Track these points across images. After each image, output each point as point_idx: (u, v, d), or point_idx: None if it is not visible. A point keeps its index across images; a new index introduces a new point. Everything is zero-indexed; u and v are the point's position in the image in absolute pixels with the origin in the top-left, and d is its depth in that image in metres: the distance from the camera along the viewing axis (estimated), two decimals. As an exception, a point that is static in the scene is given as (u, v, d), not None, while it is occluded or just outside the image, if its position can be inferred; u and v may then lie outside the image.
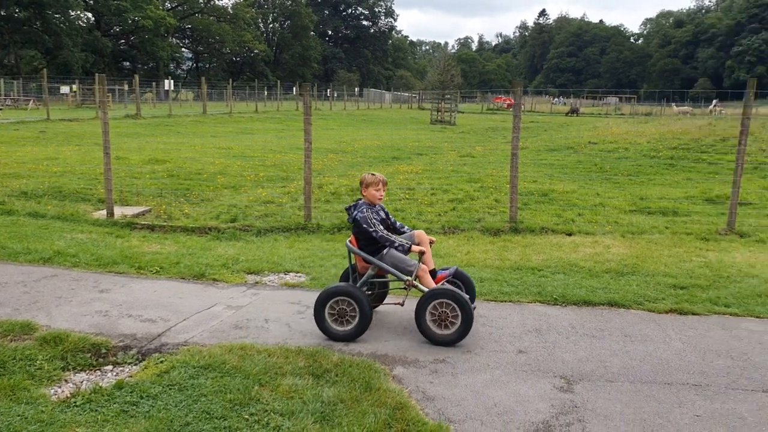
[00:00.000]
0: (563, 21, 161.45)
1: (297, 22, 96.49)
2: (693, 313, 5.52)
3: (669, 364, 4.48)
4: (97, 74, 12.69)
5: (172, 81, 43.94)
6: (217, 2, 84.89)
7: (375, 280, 5.16)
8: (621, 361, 4.53)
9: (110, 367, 4.31)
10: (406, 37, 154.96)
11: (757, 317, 5.45)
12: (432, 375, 4.27)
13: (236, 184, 12.43)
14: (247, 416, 3.60)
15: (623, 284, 6.30)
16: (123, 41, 72.46)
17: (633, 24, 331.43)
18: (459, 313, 4.68)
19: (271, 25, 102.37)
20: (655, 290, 6.11)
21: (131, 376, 4.13)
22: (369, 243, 4.97)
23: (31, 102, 40.08)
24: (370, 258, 4.95)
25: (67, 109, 37.72)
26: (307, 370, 4.19)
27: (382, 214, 5.17)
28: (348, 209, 5.16)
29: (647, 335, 5.02)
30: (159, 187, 11.54)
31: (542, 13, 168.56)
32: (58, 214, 9.34)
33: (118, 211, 9.44)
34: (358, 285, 4.99)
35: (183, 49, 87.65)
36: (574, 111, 58.56)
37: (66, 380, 4.08)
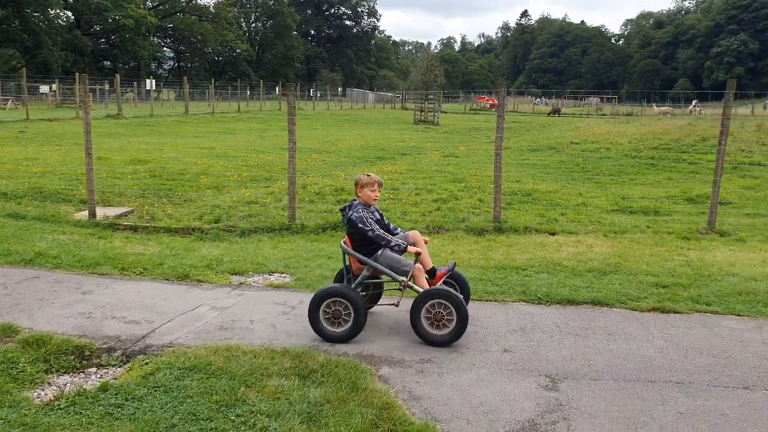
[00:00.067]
0: (545, 22, 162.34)
1: (280, 22, 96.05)
2: (675, 312, 5.59)
3: (652, 362, 4.53)
4: (78, 74, 12.58)
5: (153, 80, 43.64)
6: (198, 1, 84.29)
7: (369, 281, 5.15)
8: (605, 359, 4.57)
9: (94, 369, 4.28)
10: (389, 37, 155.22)
11: (737, 315, 5.53)
12: (418, 375, 4.29)
13: (219, 184, 12.37)
14: (233, 417, 3.59)
15: (606, 283, 6.36)
16: (103, 40, 71.73)
17: (614, 25, 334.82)
18: (454, 314, 4.68)
19: (253, 25, 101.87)
20: (637, 289, 6.17)
21: (116, 378, 4.10)
22: (364, 244, 4.96)
23: (10, 102, 39.53)
24: (365, 259, 4.93)
25: (46, 109, 37.28)
26: (294, 371, 4.19)
27: (377, 215, 5.16)
28: (342, 210, 5.14)
29: (630, 334, 5.08)
30: (141, 188, 11.45)
31: (524, 13, 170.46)
32: (38, 215, 9.24)
33: (101, 212, 9.36)
34: (352, 286, 4.98)
35: (164, 49, 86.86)
36: (555, 111, 58.95)
37: (49, 383, 4.04)
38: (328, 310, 4.82)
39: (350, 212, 5.00)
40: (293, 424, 3.53)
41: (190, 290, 6.07)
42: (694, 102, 61.50)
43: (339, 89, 76.04)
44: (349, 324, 4.79)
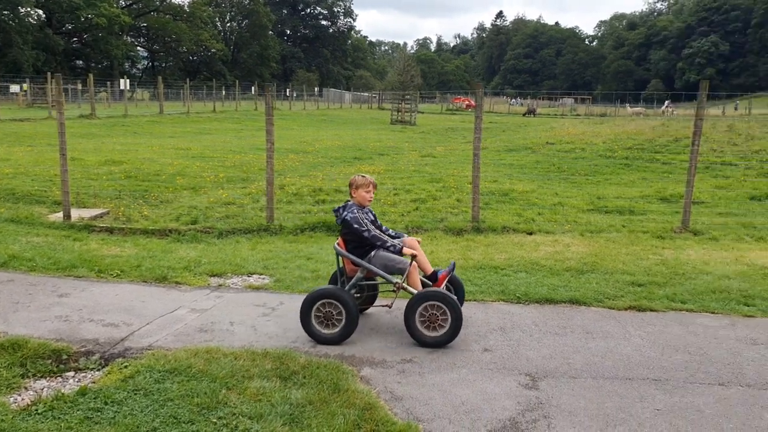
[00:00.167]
0: (520, 23, 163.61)
1: (255, 21, 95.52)
2: (651, 310, 5.67)
3: (629, 359, 4.60)
4: (51, 74, 12.39)
5: (127, 80, 43.08)
6: (173, 0, 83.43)
7: (364, 282, 5.12)
8: (583, 357, 4.63)
9: (72, 373, 4.22)
10: (365, 37, 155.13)
11: (711, 313, 5.63)
12: (400, 375, 4.30)
13: (196, 185, 12.27)
14: (215, 420, 3.57)
15: (583, 282, 6.43)
16: (76, 39, 70.73)
17: (588, 26, 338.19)
18: (449, 315, 4.69)
19: (228, 24, 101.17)
20: (614, 288, 6.25)
21: (94, 382, 4.05)
22: (358, 245, 4.93)
23: (-20, 101, 38.85)
24: (359, 261, 4.91)
25: (17, 109, 36.60)
26: (275, 373, 4.18)
27: (371, 216, 5.14)
28: (336, 211, 5.09)
29: (608, 332, 5.14)
30: (117, 189, 11.32)
31: (499, 14, 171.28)
32: (11, 216, 9.08)
33: (75, 214, 9.23)
34: (346, 288, 4.95)
35: (138, 48, 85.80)
36: (531, 112, 59.38)
37: (26, 387, 3.98)
38: (320, 312, 4.79)
39: (345, 213, 4.96)
40: (275, 425, 3.53)
41: (168, 292, 6.02)
42: (666, 102, 62.33)
43: (315, 89, 75.81)
44: (341, 326, 4.76)
